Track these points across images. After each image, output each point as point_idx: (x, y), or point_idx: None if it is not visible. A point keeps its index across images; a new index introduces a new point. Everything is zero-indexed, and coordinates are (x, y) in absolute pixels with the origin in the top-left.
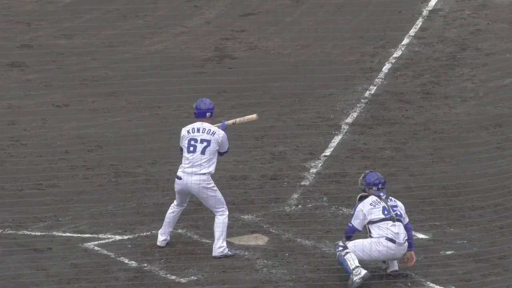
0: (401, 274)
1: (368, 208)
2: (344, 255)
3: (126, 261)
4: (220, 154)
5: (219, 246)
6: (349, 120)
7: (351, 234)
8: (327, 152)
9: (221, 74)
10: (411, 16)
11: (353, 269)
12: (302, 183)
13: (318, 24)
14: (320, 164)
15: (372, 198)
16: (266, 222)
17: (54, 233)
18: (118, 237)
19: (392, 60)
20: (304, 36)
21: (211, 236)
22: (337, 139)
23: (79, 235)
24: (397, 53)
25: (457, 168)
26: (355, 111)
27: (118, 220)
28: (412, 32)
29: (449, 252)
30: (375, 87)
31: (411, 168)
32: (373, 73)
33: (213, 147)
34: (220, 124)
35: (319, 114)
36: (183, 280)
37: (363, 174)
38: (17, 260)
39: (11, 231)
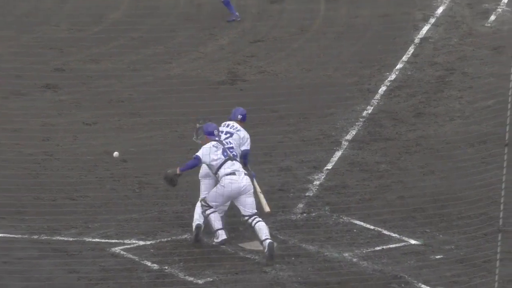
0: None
1: (212, 149)
2: (208, 215)
3: (149, 264)
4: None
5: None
6: (348, 137)
7: (193, 164)
8: (329, 166)
9: (233, 95)
10: (404, 43)
11: (215, 231)
12: (307, 194)
13: (321, 50)
14: (322, 177)
15: (212, 143)
16: (274, 229)
17: (85, 238)
18: (141, 242)
19: (387, 82)
20: (308, 61)
21: (225, 241)
22: (338, 154)
23: (106, 240)
24: (392, 77)
25: (446, 181)
26: (354, 129)
27: (142, 227)
28: (405, 57)
29: (439, 256)
30: (372, 107)
31: (404, 180)
32: (370, 94)
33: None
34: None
35: (321, 131)
36: (200, 281)
37: (197, 127)
38: (51, 263)
39: (46, 237)
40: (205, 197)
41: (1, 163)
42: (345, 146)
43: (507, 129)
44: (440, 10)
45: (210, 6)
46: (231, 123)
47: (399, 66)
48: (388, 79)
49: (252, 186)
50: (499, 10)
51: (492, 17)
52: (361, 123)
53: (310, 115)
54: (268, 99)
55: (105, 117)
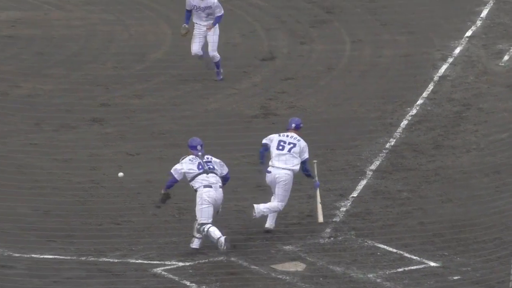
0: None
1: (187, 162)
2: (207, 230)
3: (188, 283)
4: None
5: (262, 209)
6: (372, 167)
7: (171, 183)
8: (354, 193)
9: (265, 128)
10: (424, 81)
11: (217, 240)
12: (334, 219)
13: (347, 87)
14: (348, 204)
15: (190, 156)
16: (303, 252)
17: (128, 260)
18: (181, 263)
19: (408, 117)
20: (334, 97)
21: (258, 263)
22: (362, 183)
23: (148, 261)
24: (413, 111)
25: (462, 208)
26: (377, 160)
27: (181, 249)
28: (425, 94)
29: (456, 277)
30: (394, 140)
31: (424, 207)
32: (393, 128)
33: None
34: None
35: (347, 162)
36: None
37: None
38: (97, 282)
39: (93, 258)
40: (196, 221)
41: (52, 191)
42: (369, 176)
43: None
44: (457, 50)
45: (244, 47)
46: (290, 133)
47: (419, 102)
48: (409, 114)
49: (222, 199)
50: None
51: (506, 57)
52: (384, 154)
53: (336, 146)
54: None
55: (147, 148)
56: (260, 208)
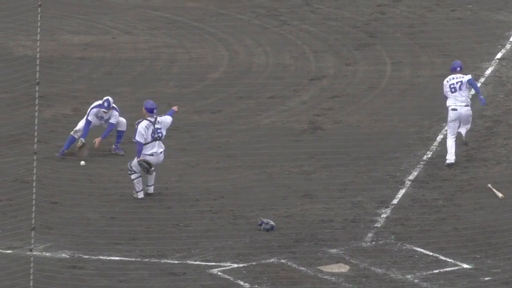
0: None
1: (144, 127)
2: (133, 180)
3: (241, 283)
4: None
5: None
6: (411, 177)
7: (140, 148)
8: (394, 201)
9: (313, 141)
10: None
11: (136, 192)
12: (375, 225)
13: (387, 104)
14: (389, 211)
15: (145, 122)
16: (347, 255)
17: (188, 261)
18: (235, 265)
19: (444, 131)
20: (376, 113)
21: (306, 265)
22: (401, 192)
23: (206, 263)
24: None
25: (493, 215)
26: (415, 171)
27: (236, 252)
28: None
29: (488, 278)
30: (431, 152)
31: (458, 214)
32: (429, 142)
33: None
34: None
35: (388, 172)
36: None
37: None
38: (160, 281)
39: (155, 260)
40: (129, 162)
41: (118, 197)
42: (408, 185)
43: None
44: (488, 71)
45: (294, 68)
46: (455, 75)
47: None
48: (445, 129)
49: (162, 159)
50: None
51: None
52: (421, 166)
53: (378, 158)
54: (342, 145)
55: (205, 159)
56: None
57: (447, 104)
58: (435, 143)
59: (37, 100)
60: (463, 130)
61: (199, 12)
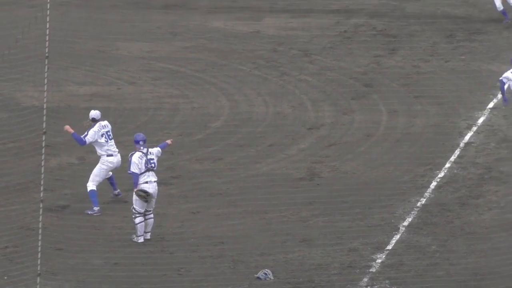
0: None
1: (138, 158)
2: (137, 224)
3: None
4: None
5: None
6: (405, 223)
7: (136, 179)
8: (389, 247)
9: (311, 188)
10: (451, 147)
11: (137, 236)
12: (370, 270)
13: (383, 152)
14: (384, 256)
15: (138, 153)
16: None
17: None
18: None
19: (437, 179)
20: (372, 161)
21: None
22: (396, 237)
23: None
24: (441, 174)
25: (484, 259)
26: (410, 217)
27: None
28: (452, 158)
29: None
30: (424, 199)
31: (451, 259)
32: (423, 189)
33: None
34: None
35: (383, 219)
36: None
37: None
38: None
39: None
40: (134, 207)
41: (121, 243)
42: (402, 231)
43: None
44: (480, 120)
45: (293, 117)
46: None
47: (447, 165)
48: (438, 176)
49: (156, 192)
50: None
51: None
52: (415, 212)
53: (374, 205)
54: (339, 192)
55: (206, 207)
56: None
57: None
58: (429, 190)
59: (43, 149)
60: None
61: (201, 63)
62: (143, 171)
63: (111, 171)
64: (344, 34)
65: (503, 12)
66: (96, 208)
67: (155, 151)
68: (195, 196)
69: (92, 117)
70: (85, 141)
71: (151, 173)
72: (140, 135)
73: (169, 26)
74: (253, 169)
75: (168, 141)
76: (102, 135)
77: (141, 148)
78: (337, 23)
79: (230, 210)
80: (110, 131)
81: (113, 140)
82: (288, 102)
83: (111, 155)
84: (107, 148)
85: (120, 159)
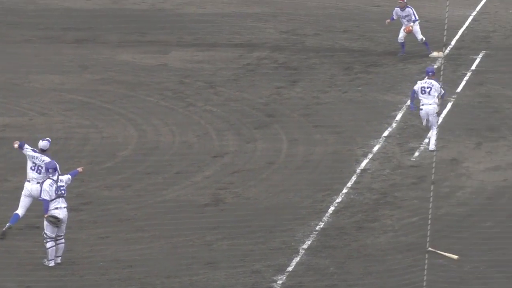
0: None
1: (48, 185)
2: (48, 248)
3: None
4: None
5: (434, 142)
6: (305, 246)
7: (47, 205)
8: (290, 268)
9: (216, 215)
10: (348, 173)
11: (49, 260)
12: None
13: (284, 179)
14: (284, 277)
15: (49, 181)
16: None
17: None
18: None
19: (335, 204)
20: (274, 187)
21: None
22: (296, 260)
23: None
24: (339, 199)
25: (380, 280)
26: (309, 240)
27: None
28: (349, 184)
29: None
30: (323, 223)
31: (348, 280)
32: (322, 213)
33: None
34: None
35: (284, 242)
36: None
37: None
38: None
39: None
40: (45, 232)
41: (35, 267)
42: (302, 253)
43: (428, 240)
44: (376, 148)
45: (199, 146)
46: (427, 80)
47: (344, 191)
48: (336, 201)
49: (66, 216)
50: (422, 148)
51: (416, 153)
52: (314, 235)
53: (275, 229)
54: (243, 217)
55: (115, 232)
56: (432, 143)
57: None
58: (327, 215)
59: None
60: (434, 137)
61: (110, 95)
62: (53, 197)
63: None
64: (247, 66)
65: (402, 45)
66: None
67: (65, 178)
68: (105, 221)
69: (40, 148)
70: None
71: (61, 199)
72: (50, 163)
73: (80, 60)
74: (160, 196)
75: (79, 169)
76: (33, 161)
77: (51, 176)
78: (241, 56)
79: (138, 235)
80: (42, 164)
81: (36, 173)
82: (193, 132)
83: (29, 182)
84: (30, 175)
85: (38, 188)
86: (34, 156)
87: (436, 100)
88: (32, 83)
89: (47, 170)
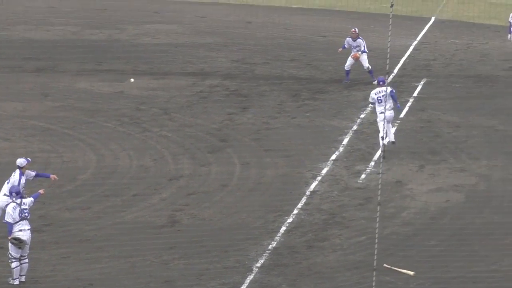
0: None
1: (12, 208)
2: (13, 268)
3: None
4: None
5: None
6: (258, 264)
7: (10, 227)
8: (244, 286)
9: (172, 234)
10: (298, 195)
11: (13, 279)
12: None
13: (237, 201)
14: None
15: (13, 204)
16: None
17: None
18: None
19: (286, 224)
20: (227, 209)
21: None
22: (250, 278)
23: None
24: (290, 220)
25: None
26: (262, 259)
27: None
28: (299, 205)
29: None
30: (275, 242)
31: None
32: (274, 233)
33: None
34: None
35: (237, 260)
36: None
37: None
38: None
39: None
40: (9, 252)
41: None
42: (255, 272)
43: (375, 258)
44: (324, 170)
45: (155, 169)
46: (379, 89)
47: (295, 212)
48: (287, 221)
49: (30, 239)
50: (368, 170)
51: (363, 176)
52: (267, 254)
53: (229, 248)
54: (198, 237)
55: (76, 252)
56: (391, 137)
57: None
58: (279, 234)
59: None
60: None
61: (70, 121)
62: (17, 220)
63: None
64: (200, 94)
65: (347, 72)
66: None
67: (28, 201)
68: (66, 242)
69: (17, 165)
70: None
71: (24, 221)
72: (14, 187)
73: (40, 88)
74: (118, 217)
75: (41, 191)
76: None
77: (15, 199)
78: (194, 84)
79: (98, 254)
80: (16, 180)
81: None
82: (150, 156)
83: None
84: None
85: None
86: (13, 173)
87: (392, 105)
88: None
89: (11, 194)
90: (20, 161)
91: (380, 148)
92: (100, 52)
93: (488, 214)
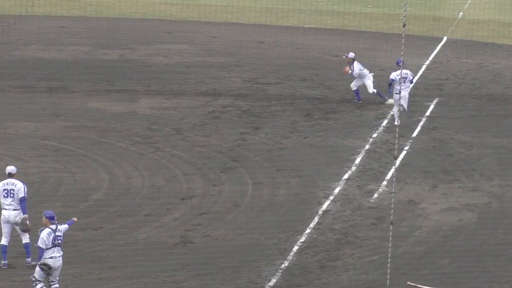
0: None
1: (47, 234)
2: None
3: None
4: None
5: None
6: (270, 283)
7: (41, 253)
8: None
9: (185, 254)
10: (311, 214)
11: None
12: None
13: (249, 220)
14: None
15: (48, 230)
16: None
17: None
18: None
19: (299, 243)
20: (240, 228)
21: None
22: None
23: None
24: (302, 239)
25: None
26: (274, 278)
27: None
28: (312, 225)
29: None
30: (287, 262)
31: None
32: (286, 252)
33: None
34: None
35: (250, 280)
36: None
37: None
38: None
39: None
40: (34, 275)
41: None
42: None
43: (388, 277)
44: (337, 190)
45: (168, 189)
46: (400, 71)
47: (307, 231)
48: (300, 240)
49: (61, 265)
50: (380, 190)
51: (376, 195)
52: (280, 274)
53: (242, 268)
54: (210, 257)
55: (88, 271)
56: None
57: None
58: (291, 254)
59: None
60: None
61: (82, 141)
62: (49, 246)
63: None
64: (212, 113)
65: (356, 92)
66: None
67: (63, 228)
68: (78, 262)
69: (8, 172)
70: None
71: (57, 248)
72: (48, 212)
73: (52, 107)
74: (131, 237)
75: (74, 219)
76: (3, 188)
77: (50, 225)
78: (206, 104)
79: (111, 274)
80: (14, 190)
81: (9, 198)
82: (162, 175)
83: (5, 209)
84: (3, 202)
85: (15, 213)
86: (4, 183)
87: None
88: (8, 130)
89: (52, 218)
90: (12, 169)
91: (397, 125)
92: (112, 72)
93: (501, 233)
